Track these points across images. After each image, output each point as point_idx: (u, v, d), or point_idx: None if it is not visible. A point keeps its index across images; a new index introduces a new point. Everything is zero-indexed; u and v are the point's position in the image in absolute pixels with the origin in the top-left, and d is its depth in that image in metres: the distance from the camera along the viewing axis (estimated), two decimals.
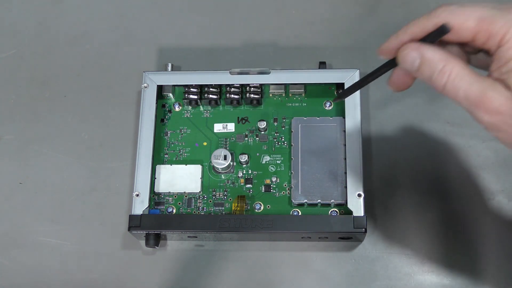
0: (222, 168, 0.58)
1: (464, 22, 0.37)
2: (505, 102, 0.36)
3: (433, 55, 0.38)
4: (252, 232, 0.55)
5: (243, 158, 0.59)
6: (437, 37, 0.38)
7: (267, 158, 0.60)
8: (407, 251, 0.59)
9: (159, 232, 0.57)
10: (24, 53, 0.69)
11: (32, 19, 0.71)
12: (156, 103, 0.61)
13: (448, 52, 0.39)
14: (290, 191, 0.58)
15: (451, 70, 0.37)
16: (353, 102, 0.58)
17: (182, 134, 0.61)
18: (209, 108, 0.62)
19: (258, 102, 0.61)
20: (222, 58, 0.67)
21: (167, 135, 0.61)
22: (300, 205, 0.57)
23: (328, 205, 0.57)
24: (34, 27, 0.71)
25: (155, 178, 0.59)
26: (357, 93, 0.58)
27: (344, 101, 0.59)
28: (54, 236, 0.61)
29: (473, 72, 0.38)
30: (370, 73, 0.42)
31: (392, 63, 0.40)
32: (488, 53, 0.38)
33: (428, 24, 0.38)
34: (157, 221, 0.56)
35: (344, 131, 0.58)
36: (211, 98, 0.61)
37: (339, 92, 0.44)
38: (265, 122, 0.60)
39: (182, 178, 0.59)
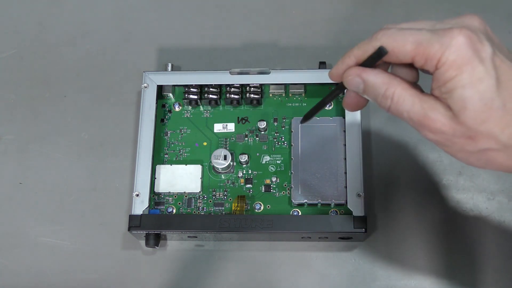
0: (222, 168, 0.58)
1: (402, 46, 0.38)
2: (446, 121, 0.37)
3: (374, 79, 0.40)
4: (252, 232, 0.55)
5: (243, 158, 0.59)
6: (375, 60, 0.39)
7: (267, 158, 0.60)
8: (407, 251, 0.59)
9: (159, 232, 0.57)
10: (24, 53, 0.69)
11: (32, 19, 0.71)
12: (156, 103, 0.61)
13: (391, 74, 0.40)
14: (290, 191, 0.58)
15: (393, 93, 0.39)
16: None
17: (182, 134, 0.61)
18: (209, 108, 0.62)
19: (258, 102, 0.61)
20: (222, 58, 0.67)
21: (167, 135, 0.61)
22: (300, 205, 0.57)
23: (328, 205, 0.57)
24: (34, 27, 0.71)
25: (155, 178, 0.59)
26: None
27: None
28: (54, 236, 0.61)
29: (415, 93, 0.39)
30: (326, 96, 0.45)
31: (342, 86, 0.42)
32: (428, 72, 0.39)
33: (369, 48, 0.39)
34: (157, 221, 0.56)
35: (344, 131, 0.58)
36: (211, 98, 0.61)
37: (304, 116, 0.47)
38: (265, 122, 0.60)
39: (182, 178, 0.59)
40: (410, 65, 0.39)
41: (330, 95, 0.44)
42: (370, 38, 0.39)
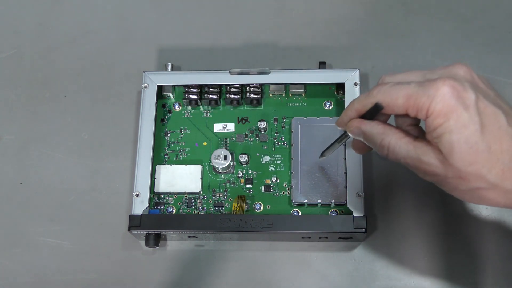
0: (222, 168, 0.58)
1: (395, 100, 0.42)
2: (438, 165, 0.41)
3: (371, 131, 0.45)
4: (252, 232, 0.55)
5: (243, 158, 0.59)
6: (374, 114, 0.44)
7: (267, 158, 0.60)
8: (407, 251, 0.59)
9: (159, 232, 0.57)
10: (24, 53, 0.69)
11: (32, 19, 0.71)
12: (156, 103, 0.61)
13: (386, 125, 0.45)
14: (290, 191, 0.58)
15: (389, 143, 0.44)
16: None
17: (182, 134, 0.61)
18: (209, 108, 0.62)
19: (258, 102, 0.61)
20: (222, 58, 0.67)
21: (167, 135, 0.61)
22: (300, 205, 0.57)
23: (328, 205, 0.57)
24: (34, 27, 0.71)
25: (155, 178, 0.59)
26: (357, 93, 0.59)
27: (344, 101, 0.59)
28: (53, 236, 0.61)
29: (409, 141, 0.43)
30: (335, 141, 0.51)
31: (346, 134, 0.48)
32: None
33: (367, 103, 0.44)
34: (157, 221, 0.56)
35: (344, 131, 0.58)
36: (211, 98, 0.61)
37: (321, 153, 0.55)
38: (265, 122, 0.60)
39: (182, 178, 0.59)
40: (406, 114, 0.43)
41: (338, 140, 0.51)
42: (368, 94, 0.44)
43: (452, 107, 0.40)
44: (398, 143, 0.43)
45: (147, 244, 0.57)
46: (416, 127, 0.45)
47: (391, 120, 0.46)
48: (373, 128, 0.45)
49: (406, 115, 0.43)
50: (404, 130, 0.45)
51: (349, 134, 0.47)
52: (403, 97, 0.42)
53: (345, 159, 0.57)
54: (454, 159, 0.40)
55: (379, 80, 0.45)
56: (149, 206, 0.57)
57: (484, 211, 0.60)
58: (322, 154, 0.54)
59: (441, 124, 0.40)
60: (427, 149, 0.42)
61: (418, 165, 0.43)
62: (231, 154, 0.59)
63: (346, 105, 0.58)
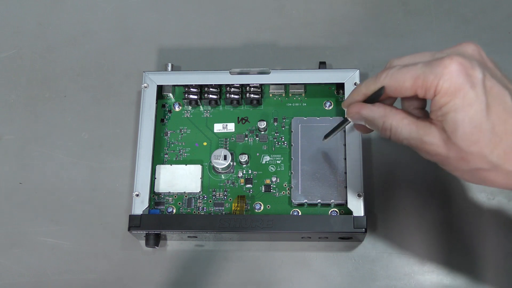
0: (222, 168, 0.58)
1: (403, 83, 0.42)
2: (440, 144, 0.41)
3: (372, 114, 0.44)
4: (252, 232, 0.55)
5: (243, 158, 0.59)
6: (376, 98, 0.44)
7: (267, 158, 0.60)
8: (407, 251, 0.59)
9: (159, 232, 0.57)
10: (24, 53, 0.69)
11: (32, 19, 0.71)
12: (156, 103, 0.61)
13: (388, 106, 0.44)
14: (290, 191, 0.58)
15: (391, 125, 0.44)
16: None
17: (182, 134, 0.61)
18: (209, 108, 0.62)
19: (258, 102, 0.61)
20: (222, 58, 0.67)
21: (167, 135, 0.61)
22: (300, 205, 0.57)
23: (328, 205, 0.57)
24: (34, 27, 0.71)
25: (155, 178, 0.59)
26: None
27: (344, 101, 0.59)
28: (53, 236, 0.61)
29: (412, 121, 0.43)
30: (338, 123, 0.51)
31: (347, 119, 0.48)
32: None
33: (375, 87, 0.44)
34: (157, 221, 0.56)
35: (344, 131, 0.58)
36: (211, 98, 0.61)
37: (325, 135, 0.54)
38: (265, 122, 0.60)
39: (182, 178, 0.59)
40: (415, 96, 0.42)
41: (341, 124, 0.50)
42: (375, 77, 0.44)
43: (459, 85, 0.39)
44: (400, 125, 0.43)
45: (147, 244, 0.57)
46: (421, 111, 0.45)
47: (397, 104, 0.46)
48: (374, 111, 0.44)
49: (413, 98, 0.43)
50: (406, 111, 0.44)
51: (350, 120, 0.47)
52: (410, 79, 0.41)
53: (345, 159, 0.57)
54: (457, 138, 0.40)
55: (387, 64, 0.45)
56: (149, 206, 0.57)
57: (484, 211, 0.60)
58: (326, 136, 0.53)
59: (447, 103, 0.40)
60: (429, 128, 0.42)
61: (420, 145, 0.42)
62: (231, 154, 0.59)
63: None
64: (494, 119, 0.40)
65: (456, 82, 0.39)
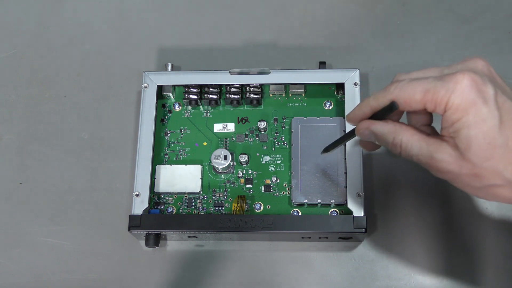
0: (222, 168, 0.58)
1: (413, 96, 0.41)
2: (452, 161, 0.41)
3: (382, 130, 0.44)
4: (252, 232, 0.55)
5: (243, 158, 0.59)
6: (387, 113, 0.43)
7: (267, 158, 0.60)
8: (407, 251, 0.59)
9: (159, 232, 0.57)
10: (24, 53, 0.69)
11: (32, 19, 0.71)
12: (156, 103, 0.61)
13: (397, 123, 0.44)
14: (290, 191, 0.58)
15: (401, 141, 0.43)
16: (353, 102, 0.58)
17: (182, 134, 0.61)
18: (209, 108, 0.62)
19: (258, 102, 0.61)
20: (222, 58, 0.67)
21: (167, 135, 0.61)
22: (300, 205, 0.57)
23: (328, 205, 0.57)
24: (34, 27, 0.71)
25: (155, 178, 0.59)
26: (357, 93, 0.59)
27: (344, 101, 0.59)
28: (53, 236, 0.61)
29: (422, 138, 0.43)
30: (343, 136, 0.50)
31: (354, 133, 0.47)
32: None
33: (384, 100, 0.43)
34: (157, 221, 0.56)
35: (344, 131, 0.58)
36: (211, 98, 0.61)
37: (324, 148, 0.53)
38: (265, 122, 0.60)
39: (182, 178, 0.59)
40: (423, 110, 0.42)
41: (346, 137, 0.49)
42: (384, 90, 0.43)
43: (472, 101, 0.39)
44: (410, 141, 0.43)
45: (147, 244, 0.57)
46: (429, 127, 0.45)
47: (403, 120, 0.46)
48: (384, 127, 0.44)
49: (421, 113, 0.43)
50: (416, 127, 0.44)
51: (359, 137, 0.46)
52: (420, 92, 0.41)
53: (345, 159, 0.57)
54: (470, 154, 0.40)
55: (394, 78, 0.45)
56: (149, 206, 0.57)
57: (484, 211, 0.60)
58: (326, 150, 0.53)
59: (459, 119, 0.40)
60: (440, 145, 0.41)
61: (431, 162, 0.42)
62: (231, 154, 0.59)
63: (345, 105, 0.58)
64: (507, 134, 0.40)
65: (468, 97, 0.39)
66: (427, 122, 0.44)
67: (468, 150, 0.40)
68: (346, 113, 0.58)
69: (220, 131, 0.61)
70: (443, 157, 0.41)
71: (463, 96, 0.39)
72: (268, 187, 0.59)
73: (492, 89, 0.40)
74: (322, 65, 0.63)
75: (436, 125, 0.44)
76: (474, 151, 0.40)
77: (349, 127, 0.57)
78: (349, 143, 0.57)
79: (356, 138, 0.48)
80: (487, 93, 0.40)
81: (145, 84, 0.61)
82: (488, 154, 0.40)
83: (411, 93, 0.41)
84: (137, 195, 0.57)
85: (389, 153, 0.62)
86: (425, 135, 0.43)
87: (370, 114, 0.45)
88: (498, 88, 0.41)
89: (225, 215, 0.56)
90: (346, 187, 0.56)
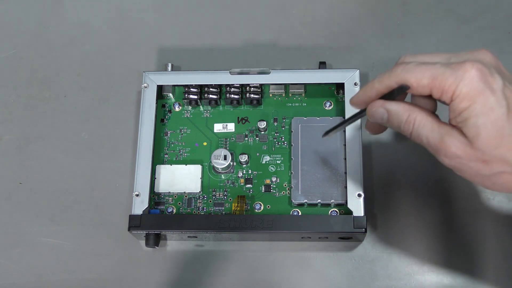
0: (222, 168, 0.58)
1: (420, 81, 0.41)
2: (461, 147, 0.41)
3: (397, 108, 0.44)
4: (252, 232, 0.55)
5: (243, 158, 0.59)
6: (398, 94, 0.43)
7: (267, 158, 0.60)
8: (407, 251, 0.59)
9: (159, 232, 0.57)
10: (24, 53, 0.69)
11: (32, 19, 0.71)
12: (156, 103, 0.61)
13: (411, 103, 0.44)
14: (290, 191, 0.58)
15: (415, 119, 0.43)
16: None
17: (182, 134, 0.61)
18: (209, 108, 0.62)
19: (258, 102, 0.61)
20: (222, 58, 0.67)
21: (167, 135, 0.61)
22: (300, 205, 0.57)
23: (328, 205, 0.57)
24: (34, 27, 0.71)
25: (155, 178, 0.59)
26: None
27: (344, 101, 0.59)
28: (53, 236, 0.61)
29: (435, 120, 0.43)
30: (346, 119, 0.49)
31: (362, 112, 0.46)
32: (445, 103, 0.42)
33: (389, 82, 0.43)
34: (157, 221, 0.56)
35: (344, 131, 0.58)
36: (211, 98, 0.61)
37: (325, 131, 0.52)
38: (265, 122, 0.60)
39: (182, 178, 0.59)
40: (428, 96, 0.42)
41: (351, 118, 0.48)
42: (390, 72, 0.43)
43: (480, 91, 0.40)
44: (423, 120, 0.43)
45: (147, 244, 0.57)
46: (433, 114, 0.44)
47: None
48: (399, 105, 0.44)
49: (425, 98, 0.43)
50: (428, 111, 0.44)
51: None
52: (428, 77, 0.41)
53: (345, 159, 0.57)
54: (479, 142, 0.40)
55: (399, 59, 0.44)
56: (149, 206, 0.57)
57: (484, 211, 0.60)
58: (326, 133, 0.52)
59: (467, 108, 0.40)
60: (451, 130, 0.41)
61: (440, 146, 0.42)
62: (231, 154, 0.59)
63: (345, 105, 0.58)
64: None
65: (477, 87, 0.40)
66: (432, 109, 0.44)
67: (477, 138, 0.40)
68: (346, 114, 0.58)
69: (220, 131, 0.61)
70: (453, 142, 0.41)
71: (471, 85, 0.40)
72: (268, 187, 0.59)
73: (500, 79, 0.40)
74: (322, 65, 0.63)
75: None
76: (482, 139, 0.40)
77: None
78: (348, 143, 0.57)
79: (355, 124, 0.47)
80: (495, 83, 0.40)
81: (145, 84, 0.61)
82: (496, 142, 0.40)
83: (418, 77, 0.41)
84: (137, 195, 0.57)
85: (389, 153, 0.62)
86: (437, 119, 0.43)
87: (376, 97, 0.44)
88: (505, 79, 0.41)
89: (225, 215, 0.56)
90: (346, 187, 0.56)
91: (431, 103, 0.44)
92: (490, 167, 0.41)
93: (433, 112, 0.44)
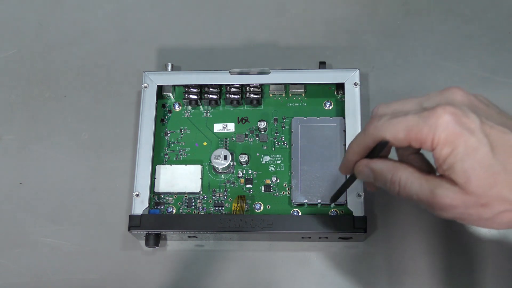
0: (222, 168, 0.58)
1: (396, 135, 0.40)
2: (455, 196, 0.39)
3: (380, 168, 0.43)
4: (252, 232, 0.55)
5: (243, 158, 0.59)
6: (380, 151, 0.42)
7: (267, 158, 0.60)
8: (407, 251, 0.59)
9: (159, 232, 0.57)
10: (24, 53, 0.69)
11: (32, 19, 0.71)
12: (156, 103, 0.61)
13: (395, 161, 0.43)
14: (290, 191, 0.58)
15: (399, 178, 0.42)
16: (353, 102, 0.58)
17: (182, 134, 0.61)
18: (209, 108, 0.62)
19: (258, 102, 0.61)
20: (222, 58, 0.67)
21: (167, 135, 0.61)
22: (300, 205, 0.57)
23: (328, 205, 0.57)
24: (34, 27, 0.71)
25: (155, 178, 0.59)
26: (357, 93, 0.59)
27: (344, 101, 0.59)
28: (54, 236, 0.61)
29: (421, 176, 0.41)
30: (342, 185, 0.51)
31: (354, 177, 0.46)
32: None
33: (367, 142, 0.42)
34: (157, 221, 0.56)
35: (344, 131, 0.58)
36: (211, 98, 0.61)
37: (331, 198, 0.54)
38: (265, 122, 0.60)
39: (182, 178, 0.59)
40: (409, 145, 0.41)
41: (345, 185, 0.50)
42: (364, 132, 0.42)
43: (458, 133, 0.38)
44: (410, 178, 0.41)
45: (147, 244, 0.57)
46: (418, 156, 0.44)
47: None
48: (383, 164, 0.43)
49: (410, 147, 0.42)
50: (413, 164, 0.43)
51: (358, 177, 0.45)
52: (403, 130, 0.40)
53: None
54: (472, 186, 0.38)
55: (372, 112, 0.43)
56: (149, 206, 0.57)
57: None
58: (333, 200, 0.54)
59: (450, 153, 0.38)
60: (440, 181, 0.40)
61: (433, 200, 0.40)
62: (231, 154, 0.59)
63: (345, 105, 0.58)
64: (502, 158, 0.38)
65: (454, 130, 0.38)
66: (415, 151, 0.43)
67: (468, 183, 0.38)
68: (346, 114, 0.58)
69: (220, 131, 0.61)
70: (445, 193, 0.39)
71: (448, 130, 0.38)
72: (268, 187, 0.59)
73: (475, 118, 0.39)
74: (322, 65, 0.63)
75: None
76: (474, 182, 0.38)
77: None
78: (348, 142, 0.57)
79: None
80: (472, 123, 0.39)
81: (145, 84, 0.61)
82: (489, 182, 0.38)
83: (393, 132, 0.40)
84: (137, 195, 0.57)
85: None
86: (424, 173, 0.42)
87: (360, 158, 0.44)
88: (482, 115, 0.40)
89: (225, 215, 0.56)
90: None
91: (417, 150, 0.43)
92: (490, 209, 0.39)
93: (417, 153, 0.43)
